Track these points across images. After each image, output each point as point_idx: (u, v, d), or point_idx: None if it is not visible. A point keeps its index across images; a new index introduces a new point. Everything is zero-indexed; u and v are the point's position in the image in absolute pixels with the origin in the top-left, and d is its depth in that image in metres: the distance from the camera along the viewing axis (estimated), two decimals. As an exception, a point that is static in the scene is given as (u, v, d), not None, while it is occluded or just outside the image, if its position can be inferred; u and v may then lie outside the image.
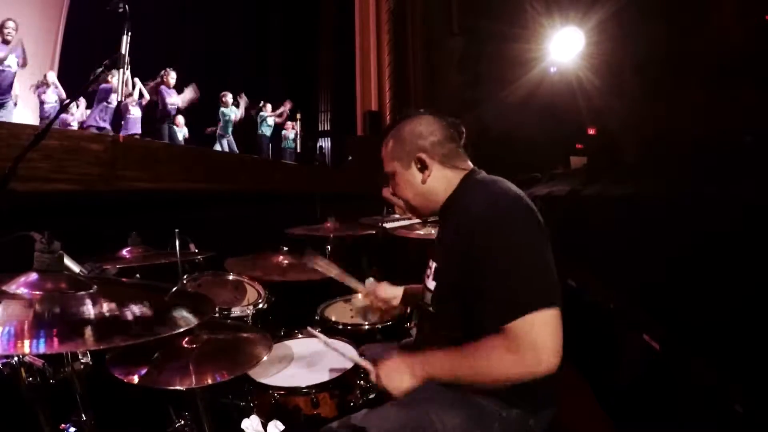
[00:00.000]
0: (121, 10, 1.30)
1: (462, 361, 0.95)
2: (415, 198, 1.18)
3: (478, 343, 0.93)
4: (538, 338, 0.87)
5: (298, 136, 9.18)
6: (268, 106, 8.51)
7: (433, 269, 1.15)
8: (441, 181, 1.14)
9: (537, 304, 0.88)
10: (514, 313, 0.88)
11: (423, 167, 1.13)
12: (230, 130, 7.50)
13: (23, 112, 6.06)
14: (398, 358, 1.05)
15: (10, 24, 4.77)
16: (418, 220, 2.83)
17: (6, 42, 4.74)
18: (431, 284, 1.14)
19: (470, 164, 1.18)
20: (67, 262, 0.86)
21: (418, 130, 1.14)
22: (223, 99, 7.49)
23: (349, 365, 1.34)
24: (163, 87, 6.20)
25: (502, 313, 0.90)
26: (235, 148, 7.58)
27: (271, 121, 8.50)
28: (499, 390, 1.02)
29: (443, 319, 1.11)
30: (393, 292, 1.48)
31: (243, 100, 7.77)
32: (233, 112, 7.51)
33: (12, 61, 4.90)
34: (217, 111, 7.54)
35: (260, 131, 8.37)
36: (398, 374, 1.02)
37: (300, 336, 1.63)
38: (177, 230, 1.43)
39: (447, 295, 1.09)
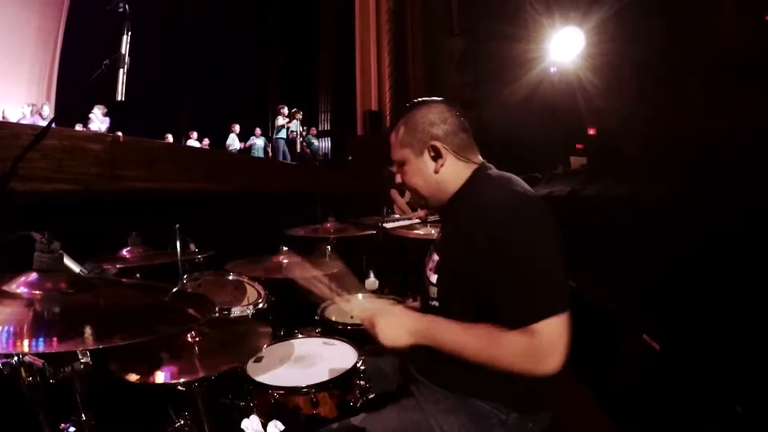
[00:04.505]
0: (121, 10, 1.30)
1: (475, 339, 0.94)
2: (425, 187, 1.14)
3: (496, 329, 0.92)
4: (557, 341, 0.89)
5: (299, 136, 9.25)
6: (299, 114, 9.25)
7: (435, 262, 1.11)
8: (453, 172, 1.11)
9: (558, 308, 0.89)
10: (537, 314, 0.89)
11: (437, 156, 1.10)
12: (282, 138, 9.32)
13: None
14: (402, 310, 1.04)
15: None
16: (418, 220, 2.83)
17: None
18: (433, 277, 1.11)
19: (480, 158, 1.15)
20: (67, 262, 0.86)
21: (431, 117, 1.11)
22: (281, 110, 9.39)
23: (348, 365, 1.34)
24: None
25: (523, 312, 0.90)
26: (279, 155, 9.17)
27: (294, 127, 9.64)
28: (498, 393, 1.02)
29: (448, 313, 1.07)
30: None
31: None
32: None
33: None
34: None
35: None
36: (398, 327, 1.01)
37: (300, 336, 1.63)
38: (177, 225, 1.42)
39: (452, 289, 1.06)
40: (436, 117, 1.11)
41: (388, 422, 1.07)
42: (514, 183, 1.05)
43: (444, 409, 1.04)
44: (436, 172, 1.11)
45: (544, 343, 0.88)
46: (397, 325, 1.01)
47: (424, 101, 1.16)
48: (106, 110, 7.64)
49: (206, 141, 10.41)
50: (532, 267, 0.92)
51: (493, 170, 1.12)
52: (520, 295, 0.92)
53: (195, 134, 10.45)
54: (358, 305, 1.93)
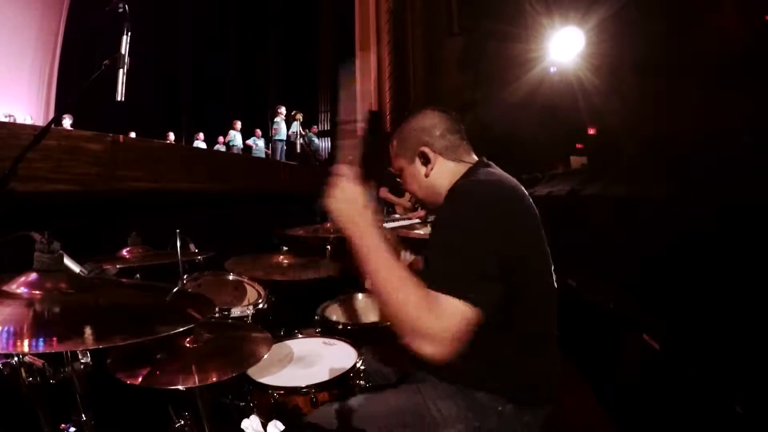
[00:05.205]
0: (121, 10, 1.30)
1: (395, 273, 0.89)
2: (420, 191, 1.21)
3: (418, 281, 0.89)
4: (447, 319, 0.84)
5: (299, 137, 9.26)
6: (300, 115, 9.28)
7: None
8: (445, 173, 1.15)
9: (464, 294, 0.86)
10: (442, 287, 0.86)
11: (426, 161, 1.15)
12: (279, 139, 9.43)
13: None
14: (368, 212, 0.97)
15: None
16: (418, 220, 2.83)
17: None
18: (422, 263, 1.21)
19: (475, 157, 1.18)
20: (67, 262, 0.86)
21: (420, 124, 1.17)
22: (278, 110, 9.44)
23: (348, 365, 1.34)
24: None
25: (433, 279, 0.89)
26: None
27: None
28: (497, 386, 1.03)
29: None
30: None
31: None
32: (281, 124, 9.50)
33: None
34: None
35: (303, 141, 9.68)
36: (347, 206, 0.96)
37: (300, 336, 1.63)
38: (178, 230, 1.43)
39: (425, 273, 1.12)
40: (424, 123, 1.16)
41: (386, 404, 1.08)
42: (489, 176, 1.07)
43: (442, 395, 1.06)
44: (427, 176, 1.16)
45: (439, 314, 0.84)
46: (347, 203, 0.96)
47: (416, 111, 1.21)
48: (72, 120, 7.79)
49: (221, 139, 10.43)
50: (442, 245, 0.94)
51: (483, 169, 1.12)
52: (433, 262, 0.94)
53: (201, 135, 10.46)
54: (358, 304, 1.94)
